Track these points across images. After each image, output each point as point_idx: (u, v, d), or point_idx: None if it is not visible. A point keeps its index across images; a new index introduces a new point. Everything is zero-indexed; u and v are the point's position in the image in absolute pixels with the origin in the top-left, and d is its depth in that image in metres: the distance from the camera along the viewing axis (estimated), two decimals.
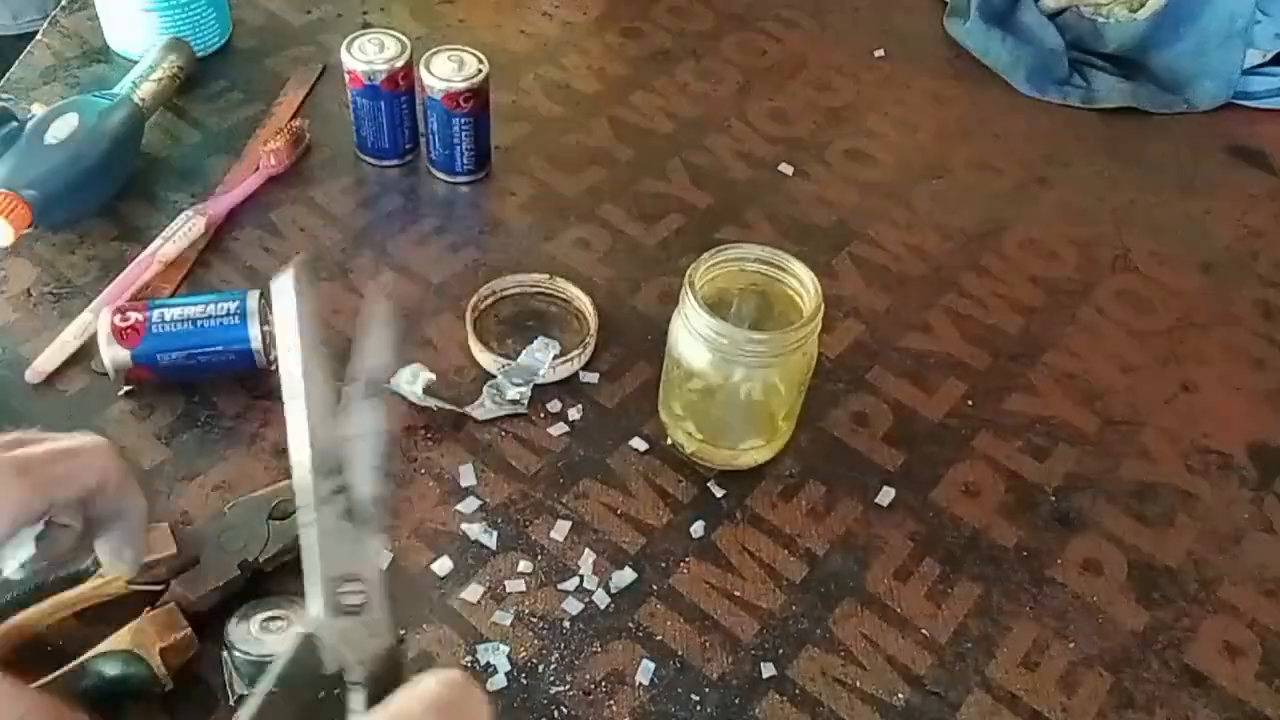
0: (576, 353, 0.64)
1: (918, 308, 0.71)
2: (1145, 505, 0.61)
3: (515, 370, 0.63)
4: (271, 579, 0.53)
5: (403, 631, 0.52)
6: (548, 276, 0.69)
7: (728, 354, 0.54)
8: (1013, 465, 0.62)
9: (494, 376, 0.63)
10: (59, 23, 0.85)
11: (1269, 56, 0.92)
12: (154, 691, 0.48)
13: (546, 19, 0.92)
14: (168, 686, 0.48)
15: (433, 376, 0.61)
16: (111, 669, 0.47)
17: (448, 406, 0.61)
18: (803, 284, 0.56)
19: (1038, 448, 0.64)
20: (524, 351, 0.64)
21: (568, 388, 0.63)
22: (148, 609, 0.50)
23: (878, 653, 0.53)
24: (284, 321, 0.35)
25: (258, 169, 0.73)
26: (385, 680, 0.35)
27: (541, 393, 0.63)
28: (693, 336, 0.55)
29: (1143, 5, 0.91)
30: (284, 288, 0.35)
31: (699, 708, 0.51)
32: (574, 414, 0.62)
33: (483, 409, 0.62)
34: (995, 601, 0.56)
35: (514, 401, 0.62)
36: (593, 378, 0.64)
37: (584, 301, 0.68)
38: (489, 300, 0.68)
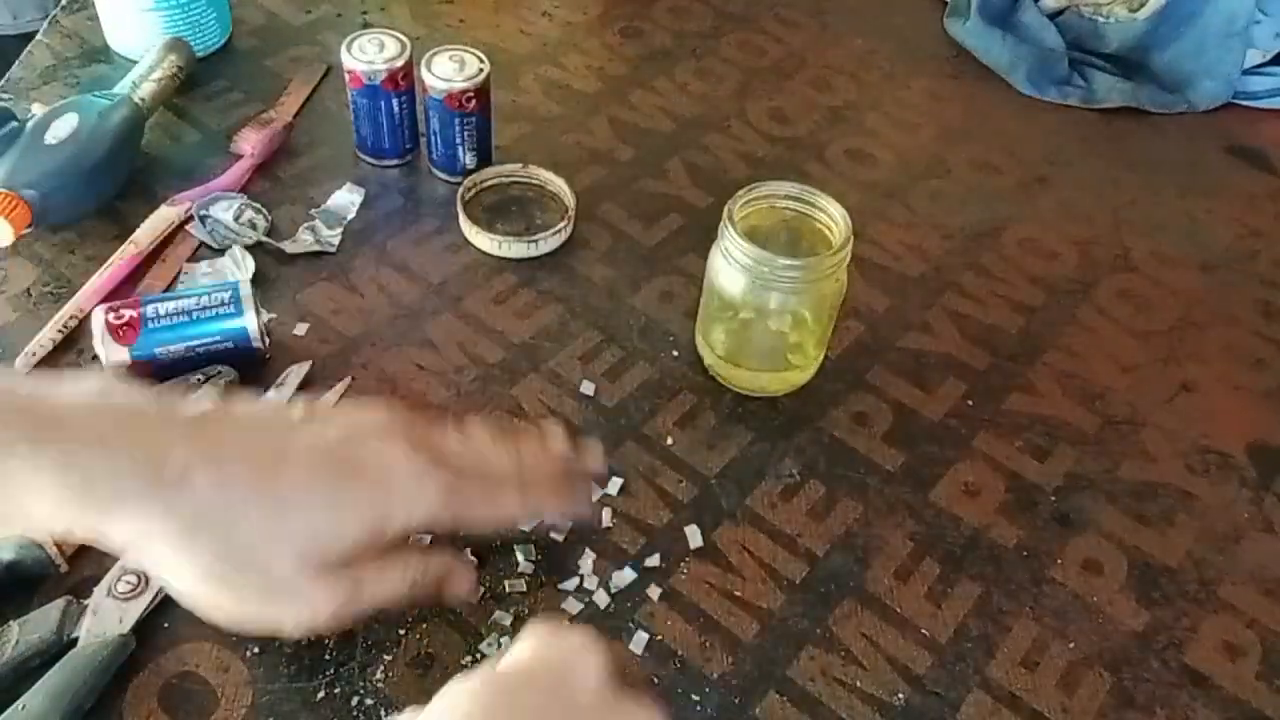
0: (561, 225, 0.71)
1: (918, 307, 0.71)
2: (1145, 505, 0.61)
3: (327, 213, 0.71)
4: None
5: (402, 632, 0.52)
6: (521, 165, 0.75)
7: (765, 281, 0.58)
8: (1013, 465, 0.62)
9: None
10: (59, 23, 0.85)
11: (1269, 56, 0.92)
12: (51, 574, 0.51)
13: (546, 19, 0.92)
14: (63, 569, 0.51)
15: (257, 211, 0.69)
16: (7, 554, 0.50)
17: (261, 238, 0.68)
18: (832, 218, 0.60)
19: (1038, 448, 0.64)
20: (334, 195, 0.72)
21: (567, 387, 0.63)
22: None
23: (878, 653, 0.53)
24: None
25: (240, 158, 0.74)
26: None
27: (540, 391, 0.63)
28: (731, 266, 0.58)
29: (1142, 5, 0.91)
30: None
31: (699, 708, 0.50)
32: (574, 414, 0.62)
33: (295, 244, 0.69)
34: (995, 601, 0.56)
35: (327, 241, 0.69)
36: (591, 387, 0.64)
37: (559, 184, 0.74)
38: (472, 192, 0.74)
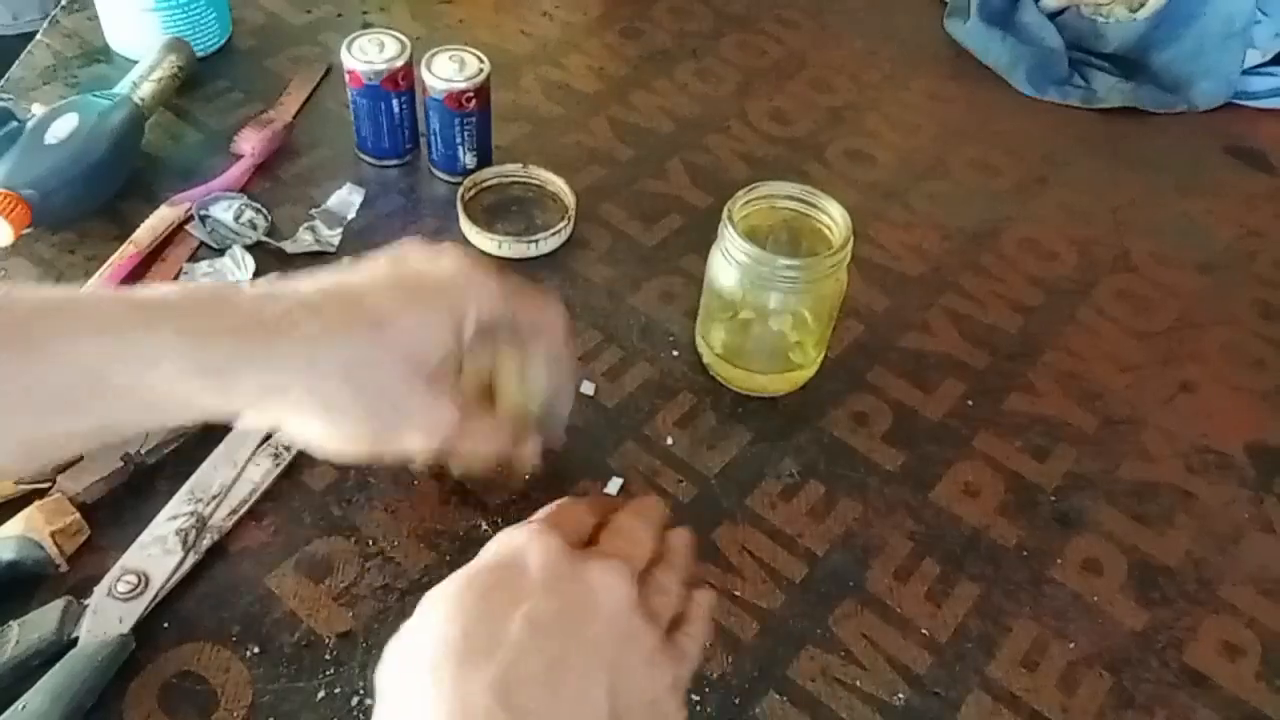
0: (561, 225, 0.71)
1: (918, 308, 0.71)
2: (1145, 505, 0.61)
3: (327, 213, 0.71)
4: (155, 471, 0.56)
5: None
6: (521, 165, 0.75)
7: (765, 280, 0.58)
8: (1013, 465, 0.63)
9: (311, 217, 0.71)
10: (59, 22, 0.85)
11: (1268, 56, 0.92)
12: (50, 574, 0.51)
13: (546, 19, 0.92)
14: (63, 568, 0.51)
15: (257, 211, 0.68)
16: (7, 554, 0.50)
17: (262, 238, 0.68)
18: (833, 218, 0.59)
19: (1038, 447, 0.64)
20: (334, 195, 0.72)
21: None
22: (36, 499, 0.52)
23: (878, 653, 0.53)
24: None
25: (240, 158, 0.74)
26: None
27: None
28: (731, 266, 0.58)
29: (1142, 5, 0.91)
30: None
31: (699, 708, 0.50)
32: (574, 414, 0.62)
33: (295, 244, 0.68)
34: (995, 601, 0.56)
35: (327, 242, 0.69)
36: (591, 387, 0.64)
37: (559, 184, 0.74)
38: (472, 192, 0.74)
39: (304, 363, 0.43)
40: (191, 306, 0.43)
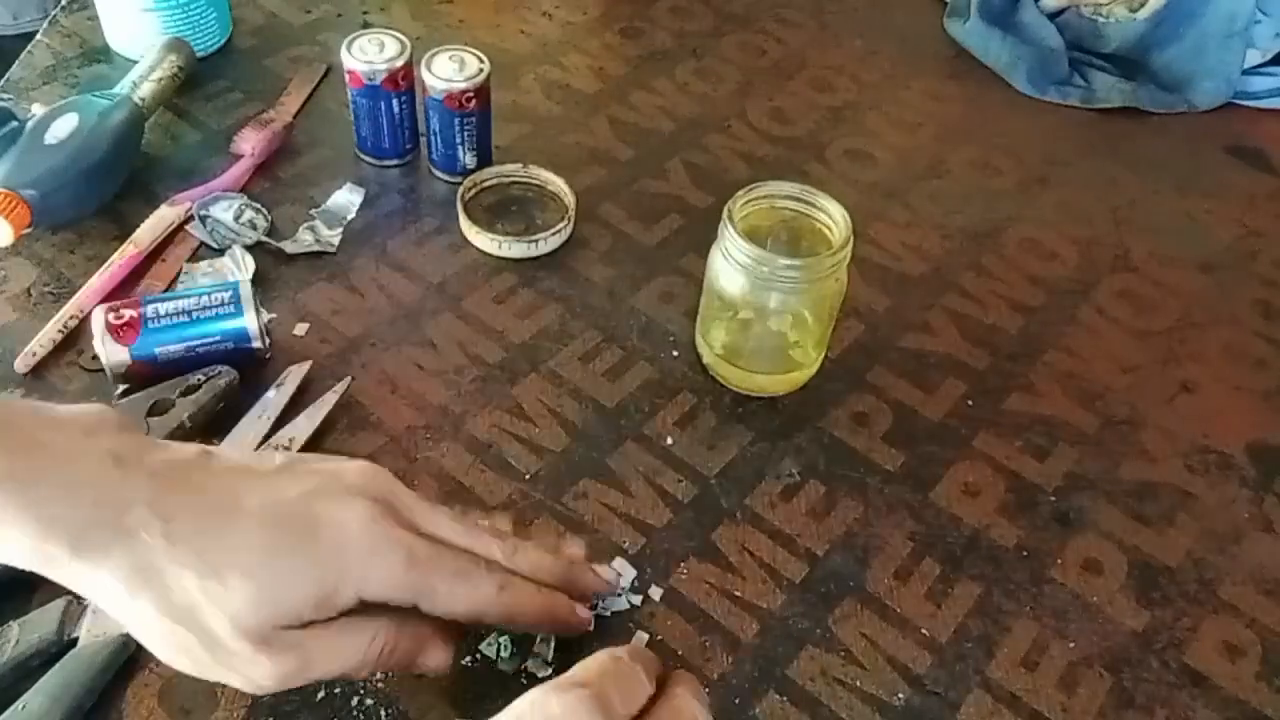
0: (561, 225, 0.71)
1: (918, 308, 0.71)
2: (1145, 505, 0.61)
3: (327, 213, 0.71)
4: None
5: None
6: (521, 165, 0.75)
7: (765, 280, 0.58)
8: (1013, 465, 0.62)
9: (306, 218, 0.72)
10: (59, 23, 0.85)
11: (1269, 56, 0.92)
12: None
13: (546, 19, 0.92)
14: None
15: (257, 211, 0.69)
16: None
17: (261, 238, 0.68)
18: (832, 218, 0.60)
19: (1038, 448, 0.64)
20: (334, 195, 0.72)
21: (567, 387, 0.63)
22: None
23: (878, 653, 0.53)
24: None
25: (240, 158, 0.74)
26: None
27: (540, 391, 0.63)
28: (731, 266, 0.58)
29: (1143, 5, 0.91)
30: None
31: None
32: (574, 414, 0.62)
33: (295, 244, 0.69)
34: (995, 601, 0.56)
35: (327, 242, 0.69)
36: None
37: (559, 184, 0.74)
38: (473, 192, 0.74)
39: (130, 581, 0.39)
40: (60, 475, 0.40)
